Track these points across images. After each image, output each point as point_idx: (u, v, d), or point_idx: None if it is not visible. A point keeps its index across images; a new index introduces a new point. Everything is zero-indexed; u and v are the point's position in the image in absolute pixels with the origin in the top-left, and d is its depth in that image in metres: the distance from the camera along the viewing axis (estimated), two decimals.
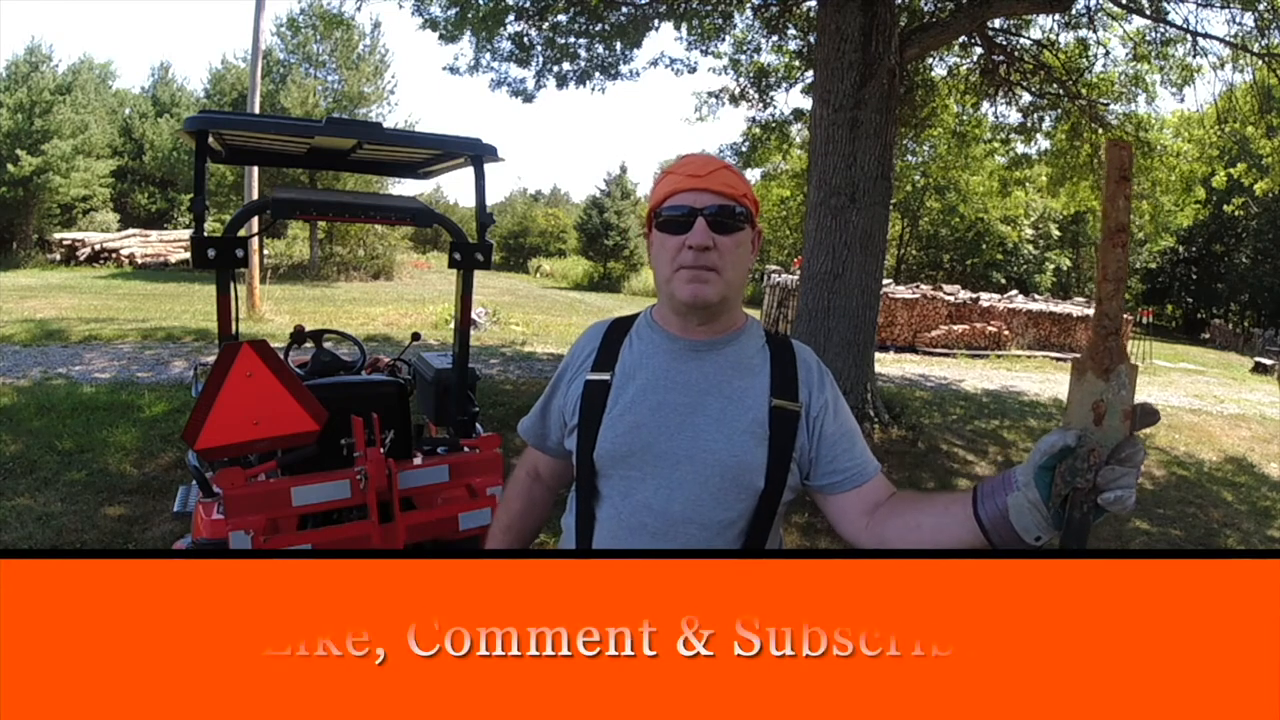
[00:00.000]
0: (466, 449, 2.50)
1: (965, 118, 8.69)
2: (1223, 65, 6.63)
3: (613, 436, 1.05)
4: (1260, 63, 6.24)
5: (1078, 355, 0.82)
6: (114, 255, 19.28)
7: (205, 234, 2.01)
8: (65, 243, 19.47)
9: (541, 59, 7.04)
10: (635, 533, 1.05)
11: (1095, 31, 7.08)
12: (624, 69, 7.22)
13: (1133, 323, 16.15)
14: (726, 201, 1.01)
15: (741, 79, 8.59)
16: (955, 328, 13.43)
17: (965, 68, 8.02)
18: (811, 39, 7.47)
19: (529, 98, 7.29)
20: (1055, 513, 0.80)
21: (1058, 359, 13.51)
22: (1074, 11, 6.59)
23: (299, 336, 3.06)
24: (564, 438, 1.15)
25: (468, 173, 2.69)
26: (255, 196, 10.84)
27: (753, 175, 11.36)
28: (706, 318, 1.06)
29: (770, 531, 1.08)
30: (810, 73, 7.27)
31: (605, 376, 1.09)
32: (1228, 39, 6.27)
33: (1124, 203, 0.77)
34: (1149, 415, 0.77)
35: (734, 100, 8.69)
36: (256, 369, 1.82)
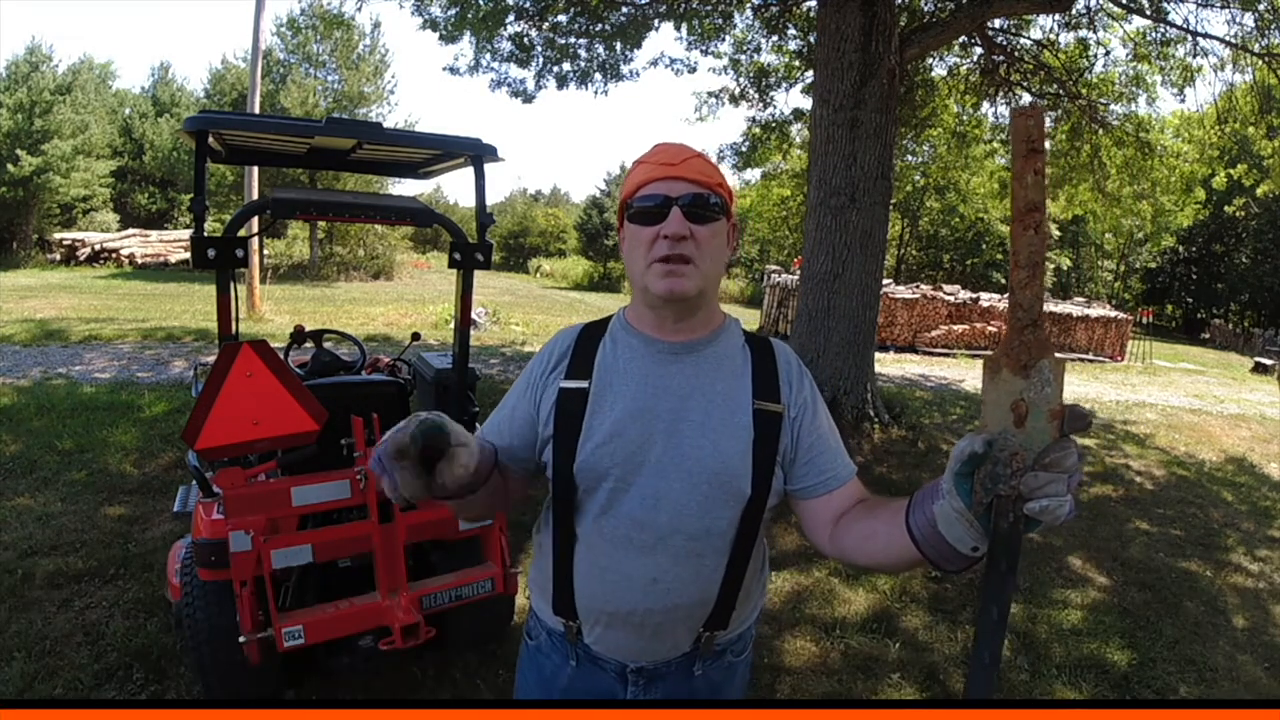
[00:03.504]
0: None
1: (965, 118, 8.69)
2: (1223, 66, 6.63)
3: (593, 447, 0.99)
4: (1260, 63, 6.23)
5: (981, 352, 0.76)
6: (114, 255, 19.29)
7: (205, 234, 2.01)
8: (65, 243, 19.48)
9: (541, 59, 7.04)
10: (620, 548, 1.00)
11: (1095, 31, 7.08)
12: (624, 69, 7.22)
13: (1133, 322, 16.16)
14: (701, 190, 0.97)
15: (741, 79, 8.59)
16: (955, 328, 13.42)
17: (965, 68, 8.02)
18: (811, 39, 7.47)
19: (529, 98, 7.29)
20: (984, 521, 0.74)
21: (1057, 359, 13.51)
22: (1074, 11, 6.59)
23: (299, 336, 3.06)
24: (535, 451, 1.07)
25: (468, 173, 2.69)
26: (255, 196, 10.83)
27: (753, 175, 11.37)
28: (683, 313, 1.02)
29: (756, 540, 1.04)
30: (810, 73, 7.27)
31: (582, 384, 1.03)
32: (1228, 39, 6.26)
33: (1035, 178, 0.68)
34: (1079, 419, 0.70)
35: (734, 100, 8.69)
36: (256, 369, 1.82)
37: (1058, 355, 0.72)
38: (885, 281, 8.68)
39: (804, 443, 1.03)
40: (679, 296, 0.97)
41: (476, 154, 2.52)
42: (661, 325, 1.04)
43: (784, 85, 8.50)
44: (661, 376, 1.02)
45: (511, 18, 6.54)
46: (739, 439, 1.00)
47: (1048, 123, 8.01)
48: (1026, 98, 7.66)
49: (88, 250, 19.17)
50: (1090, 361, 14.09)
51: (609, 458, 0.99)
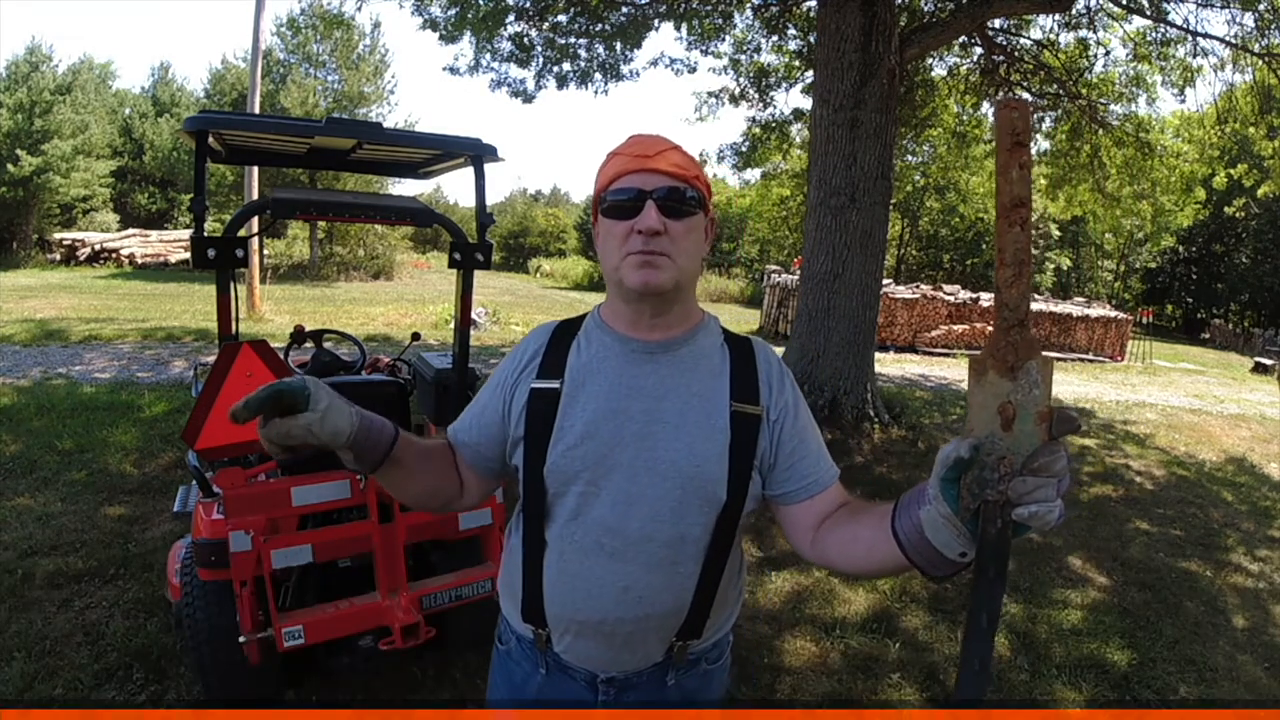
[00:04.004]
0: None
1: (965, 118, 8.69)
2: (1223, 66, 6.64)
3: (564, 449, 0.96)
4: (1260, 63, 6.24)
5: (975, 353, 0.71)
6: (114, 255, 19.28)
7: (205, 234, 2.01)
8: (65, 243, 19.48)
9: (541, 59, 7.04)
10: (590, 554, 0.96)
11: (1095, 32, 7.08)
12: (624, 69, 7.22)
13: (1133, 322, 16.16)
14: (677, 184, 0.93)
15: (741, 79, 8.59)
16: (955, 328, 13.42)
17: (965, 68, 8.02)
18: (811, 39, 7.47)
19: (529, 98, 7.29)
20: (972, 526, 0.72)
21: (1058, 359, 13.52)
22: (1074, 11, 6.59)
23: (299, 336, 3.06)
24: (504, 451, 1.05)
25: (468, 173, 2.69)
26: (255, 196, 10.84)
27: (753, 175, 11.37)
28: (659, 308, 0.98)
29: (732, 547, 1.00)
30: (810, 73, 7.27)
31: (553, 384, 0.99)
32: (1228, 39, 6.27)
33: (1020, 173, 0.65)
34: (1068, 421, 0.68)
35: (734, 100, 8.69)
36: (256, 369, 1.82)
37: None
38: (885, 281, 8.69)
39: (785, 447, 1.00)
40: (654, 289, 0.94)
41: (476, 154, 2.52)
42: (637, 322, 1.00)
43: (784, 85, 8.51)
44: (635, 376, 0.98)
45: (511, 18, 6.54)
46: (715, 442, 0.96)
47: (1047, 122, 8.06)
48: (1027, 98, 7.67)
49: (88, 250, 19.16)
50: (1090, 361, 14.10)
51: (579, 460, 0.96)
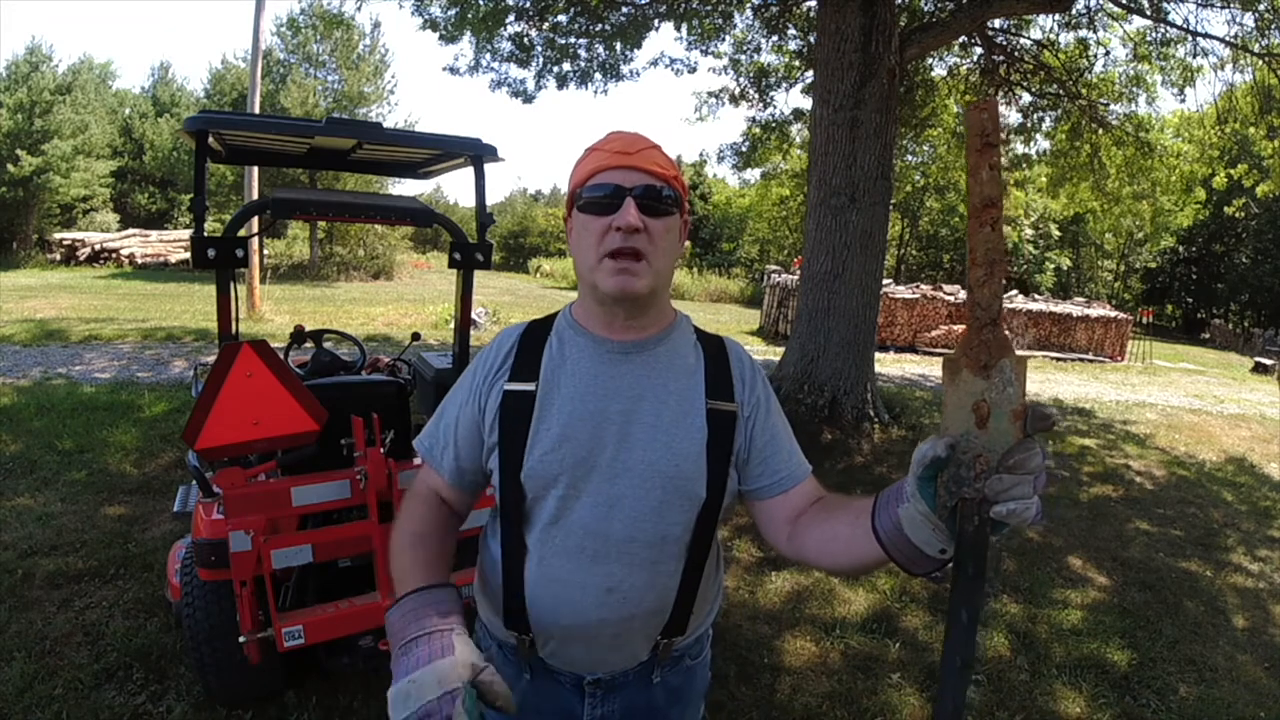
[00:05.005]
0: None
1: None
2: (1223, 66, 6.65)
3: (541, 453, 0.95)
4: (1260, 63, 6.24)
5: (949, 352, 0.71)
6: (114, 255, 19.28)
7: (205, 234, 2.01)
8: (65, 243, 19.47)
9: (541, 59, 7.05)
10: (572, 557, 0.95)
11: (1095, 32, 7.09)
12: (624, 69, 7.23)
13: (1133, 322, 16.16)
14: (656, 182, 0.92)
15: (741, 79, 8.60)
16: (955, 328, 13.42)
17: (965, 68, 8.03)
18: (811, 39, 7.47)
19: (529, 98, 7.30)
20: (951, 523, 0.72)
21: (1058, 359, 13.51)
22: (1074, 11, 6.59)
23: (299, 336, 3.06)
24: (479, 459, 1.03)
25: (468, 173, 2.69)
26: (255, 196, 10.84)
27: (753, 175, 11.38)
28: (634, 311, 0.97)
29: (711, 543, 1.01)
30: (810, 73, 7.28)
31: (528, 386, 0.97)
32: (1228, 39, 6.27)
33: (990, 173, 0.66)
34: (1042, 419, 0.68)
35: (734, 100, 8.70)
36: (256, 369, 1.82)
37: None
38: (885, 281, 8.69)
39: (757, 442, 1.01)
40: (630, 295, 0.92)
41: (476, 154, 2.53)
42: (611, 324, 0.99)
43: (784, 85, 8.52)
44: (611, 377, 0.97)
45: (511, 18, 6.54)
46: (693, 440, 0.96)
47: (1047, 122, 8.06)
48: (1026, 97, 7.67)
49: (88, 250, 19.15)
50: (1090, 361, 14.09)
51: (558, 464, 0.95)
